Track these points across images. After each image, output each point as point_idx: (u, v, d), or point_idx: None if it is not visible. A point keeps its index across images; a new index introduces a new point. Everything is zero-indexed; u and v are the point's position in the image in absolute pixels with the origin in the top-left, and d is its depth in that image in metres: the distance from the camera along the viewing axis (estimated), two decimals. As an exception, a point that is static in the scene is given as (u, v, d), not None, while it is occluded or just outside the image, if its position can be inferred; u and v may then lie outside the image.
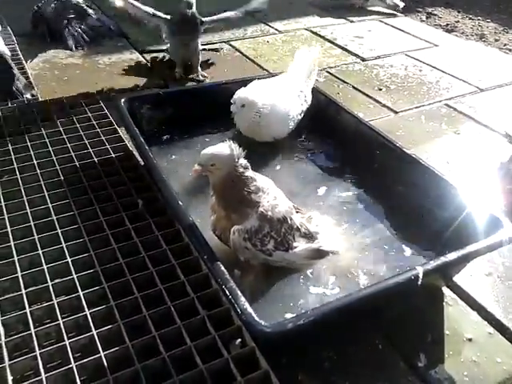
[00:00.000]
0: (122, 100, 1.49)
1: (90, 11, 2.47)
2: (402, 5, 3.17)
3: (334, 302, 0.92)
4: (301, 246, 1.10)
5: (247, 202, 1.07)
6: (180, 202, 1.12)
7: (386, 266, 1.17)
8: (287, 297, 1.08)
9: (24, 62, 2.16)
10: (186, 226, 1.07)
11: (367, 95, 2.10)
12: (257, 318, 0.85)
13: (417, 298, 1.11)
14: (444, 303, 1.14)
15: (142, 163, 1.45)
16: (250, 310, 0.87)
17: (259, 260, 1.10)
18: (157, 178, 1.22)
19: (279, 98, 1.55)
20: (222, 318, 0.99)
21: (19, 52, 2.24)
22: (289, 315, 1.01)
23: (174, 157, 1.54)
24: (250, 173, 1.09)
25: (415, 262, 1.17)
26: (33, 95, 1.88)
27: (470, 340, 1.06)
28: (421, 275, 0.96)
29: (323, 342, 1.00)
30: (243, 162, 1.09)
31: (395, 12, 3.18)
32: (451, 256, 1.02)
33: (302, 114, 1.64)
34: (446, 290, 1.18)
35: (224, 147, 1.08)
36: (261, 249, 1.07)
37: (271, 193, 1.11)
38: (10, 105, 1.77)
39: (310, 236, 1.13)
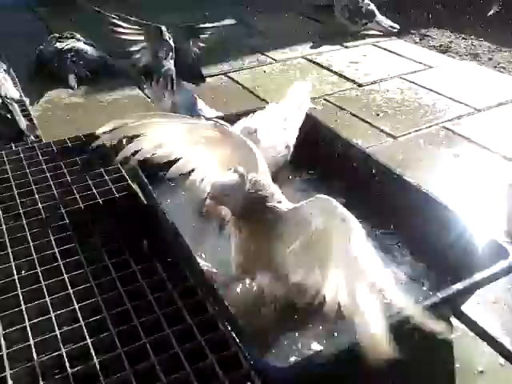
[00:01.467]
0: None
1: (88, 48, 2.52)
2: (397, 27, 3.22)
3: (343, 342, 0.91)
4: None
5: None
6: (186, 243, 1.12)
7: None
8: (297, 339, 1.07)
9: (27, 103, 2.20)
10: (192, 268, 1.08)
11: (365, 121, 2.12)
12: (265, 361, 0.85)
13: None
14: (453, 335, 1.14)
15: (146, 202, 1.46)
16: (257, 353, 0.86)
17: None
18: (160, 218, 1.23)
19: (263, 131, 1.49)
20: (231, 361, 0.99)
21: (22, 93, 2.29)
22: (298, 357, 1.01)
23: (177, 193, 1.55)
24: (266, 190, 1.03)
25: (419, 293, 1.18)
26: (37, 136, 1.91)
27: (481, 372, 1.05)
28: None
29: None
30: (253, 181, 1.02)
31: (389, 35, 3.22)
32: (457, 287, 1.02)
33: (291, 148, 1.56)
34: (454, 320, 1.18)
35: (232, 175, 1.01)
36: None
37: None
38: (14, 148, 1.80)
39: None
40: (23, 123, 1.90)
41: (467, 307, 1.19)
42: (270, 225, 1.02)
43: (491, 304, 1.22)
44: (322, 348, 0.99)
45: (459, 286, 1.02)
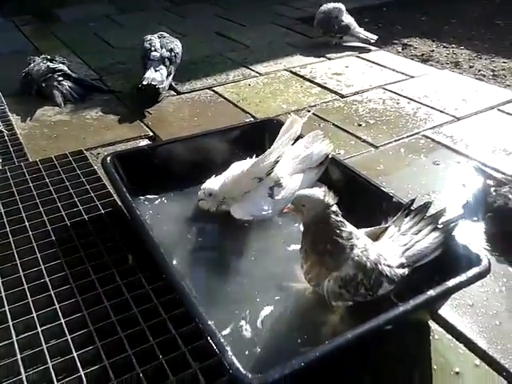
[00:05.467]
0: (108, 158, 1.53)
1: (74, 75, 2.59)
2: (374, 38, 3.28)
3: (317, 349, 0.94)
4: None
5: (340, 247, 1.10)
6: (167, 260, 1.14)
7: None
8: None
9: (13, 122, 2.23)
10: (174, 282, 1.09)
11: (348, 132, 2.17)
12: (243, 371, 0.87)
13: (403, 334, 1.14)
14: (431, 337, 1.17)
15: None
16: (236, 363, 0.89)
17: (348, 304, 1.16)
18: (144, 236, 1.24)
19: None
20: (214, 370, 1.02)
21: (8, 113, 2.32)
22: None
23: (161, 207, 1.58)
24: (340, 218, 1.12)
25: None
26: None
27: (457, 373, 1.08)
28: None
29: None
30: (335, 208, 1.11)
31: (371, 46, 3.29)
32: (435, 291, 1.05)
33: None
34: (432, 324, 1.21)
35: (317, 191, 1.12)
36: (354, 295, 1.11)
37: (361, 239, 1.14)
38: (0, 167, 1.82)
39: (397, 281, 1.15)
40: None
41: (445, 311, 1.23)
42: (327, 255, 1.10)
43: (468, 307, 1.25)
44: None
45: (433, 292, 1.05)
